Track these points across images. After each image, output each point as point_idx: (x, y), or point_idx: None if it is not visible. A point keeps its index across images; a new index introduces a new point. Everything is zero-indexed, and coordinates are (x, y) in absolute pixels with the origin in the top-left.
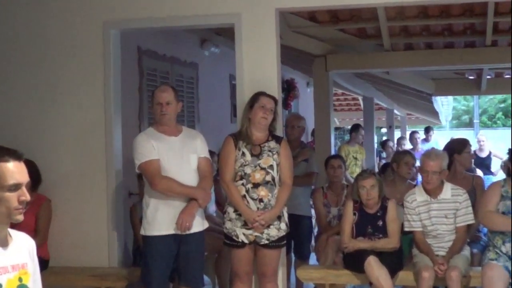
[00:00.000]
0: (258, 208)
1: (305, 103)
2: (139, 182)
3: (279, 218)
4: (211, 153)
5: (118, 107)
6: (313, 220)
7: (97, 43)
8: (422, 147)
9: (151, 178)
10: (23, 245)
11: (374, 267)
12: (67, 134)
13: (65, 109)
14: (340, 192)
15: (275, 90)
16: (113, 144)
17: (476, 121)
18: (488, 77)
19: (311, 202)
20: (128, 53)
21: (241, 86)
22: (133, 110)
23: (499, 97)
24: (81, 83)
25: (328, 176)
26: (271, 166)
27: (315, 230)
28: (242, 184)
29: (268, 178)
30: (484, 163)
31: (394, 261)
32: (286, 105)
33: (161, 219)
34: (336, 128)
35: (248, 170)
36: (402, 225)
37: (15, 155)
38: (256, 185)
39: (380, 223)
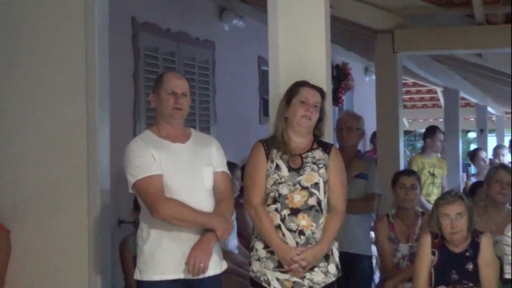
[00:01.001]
0: (297, 244)
1: (363, 96)
2: (134, 207)
3: (326, 257)
4: (232, 166)
5: (105, 101)
6: (374, 261)
7: (77, 13)
8: None
9: (151, 201)
10: None
11: None
12: (34, 141)
13: (31, 104)
14: (412, 222)
15: (323, 79)
16: (97, 153)
17: None
18: None
19: (372, 236)
20: (120, 26)
21: (275, 73)
22: (126, 105)
23: None
24: (55, 68)
25: (396, 200)
26: (316, 185)
27: (377, 275)
28: (276, 210)
29: (312, 201)
30: None
31: None
32: (336, 100)
33: (164, 258)
34: (406, 132)
35: (284, 190)
36: (501, 270)
37: None
38: (295, 211)
39: (470, 266)
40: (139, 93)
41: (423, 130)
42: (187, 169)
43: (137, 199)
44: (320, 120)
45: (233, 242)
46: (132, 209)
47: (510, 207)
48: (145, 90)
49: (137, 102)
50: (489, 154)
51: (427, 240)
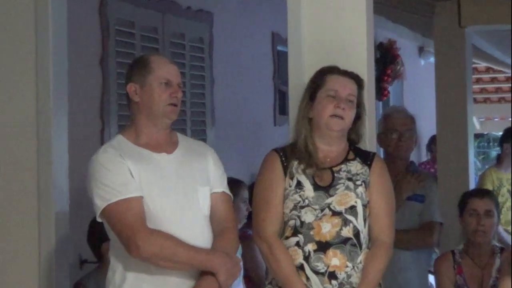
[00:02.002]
0: None
1: (416, 87)
2: (95, 238)
3: None
4: (236, 184)
5: (61, 97)
6: None
7: None
8: None
9: (129, 234)
10: None
11: None
12: None
13: None
14: (487, 261)
15: (362, 62)
16: (52, 166)
17: None
18: None
19: (431, 281)
20: None
21: (296, 56)
22: (91, 102)
23: None
24: None
25: (465, 231)
26: (352, 209)
27: None
28: (298, 244)
29: (347, 232)
30: None
31: None
32: (380, 91)
33: None
34: (476, 136)
35: (308, 216)
36: None
37: None
38: (323, 246)
39: None
40: (108, 85)
41: (500, 133)
42: (177, 189)
43: (105, 229)
44: (358, 119)
45: None
46: (89, 241)
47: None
48: (117, 80)
49: (106, 97)
50: None
51: (508, 286)
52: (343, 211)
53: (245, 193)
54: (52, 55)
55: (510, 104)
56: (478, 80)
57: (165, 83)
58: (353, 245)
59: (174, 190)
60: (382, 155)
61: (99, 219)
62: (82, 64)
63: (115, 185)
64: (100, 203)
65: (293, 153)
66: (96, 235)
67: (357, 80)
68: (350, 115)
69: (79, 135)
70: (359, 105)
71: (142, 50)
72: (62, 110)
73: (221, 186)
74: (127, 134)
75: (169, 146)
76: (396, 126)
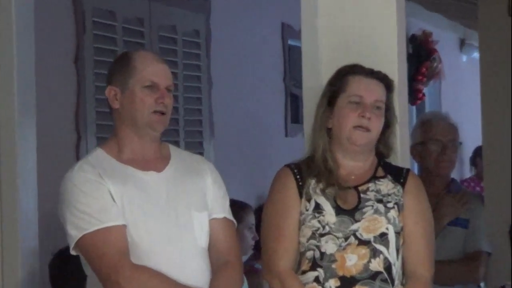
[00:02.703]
0: None
1: (457, 87)
2: (75, 276)
3: None
4: (241, 208)
5: (28, 104)
6: None
7: None
8: None
9: (108, 269)
10: None
11: None
12: None
13: None
14: None
15: (391, 59)
16: (17, 189)
17: None
18: None
19: None
20: None
21: (311, 52)
22: (64, 109)
23: None
24: None
25: None
26: (383, 238)
27: None
28: (317, 280)
29: (376, 264)
30: None
31: None
32: (414, 94)
33: None
34: None
35: (329, 246)
36: None
37: None
38: (348, 282)
39: None
40: (84, 89)
41: None
42: (167, 215)
43: (81, 264)
44: (387, 128)
45: None
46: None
47: None
48: (95, 82)
49: (82, 104)
50: None
51: None
52: (372, 239)
53: (251, 218)
54: (16, 53)
55: None
56: None
57: (149, 86)
58: (384, 280)
59: (163, 216)
60: (416, 171)
61: (73, 252)
62: (52, 64)
63: (92, 211)
64: (74, 233)
65: (310, 170)
66: (59, 274)
67: (386, 82)
68: (377, 125)
69: (49, 150)
70: (389, 111)
71: (125, 46)
72: (28, 120)
73: (222, 211)
74: (107, 147)
75: (159, 162)
76: (438, 136)
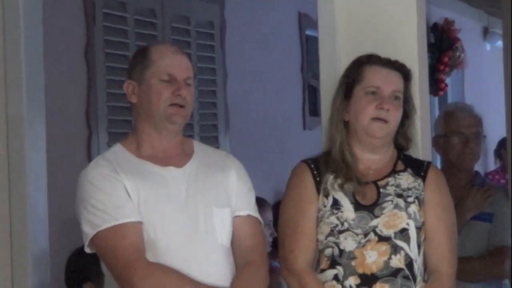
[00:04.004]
0: None
1: (481, 77)
2: (92, 275)
3: None
4: (258, 204)
5: (37, 98)
6: None
7: None
8: None
9: (123, 267)
10: None
11: None
12: None
13: None
14: None
15: (411, 48)
16: (26, 188)
17: None
18: None
19: None
20: None
21: (329, 42)
22: (75, 104)
23: None
24: None
25: None
26: (403, 233)
27: None
28: (336, 278)
29: (397, 261)
30: None
31: None
32: (436, 84)
33: None
34: None
35: (349, 243)
36: None
37: None
38: (369, 280)
39: None
40: (95, 82)
41: None
42: (186, 212)
43: (100, 263)
44: (406, 119)
45: None
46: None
47: None
48: (106, 76)
49: (93, 98)
50: None
51: None
52: (392, 235)
53: (268, 215)
54: (24, 46)
55: None
56: None
57: (165, 79)
58: (406, 277)
59: (182, 213)
60: (438, 164)
61: (87, 250)
62: (62, 58)
63: (106, 207)
64: (88, 230)
65: (327, 165)
66: (75, 273)
67: (403, 71)
68: (396, 116)
69: (60, 147)
70: (407, 102)
71: (136, 38)
72: (38, 115)
73: (247, 208)
74: (127, 143)
75: (181, 158)
76: (461, 128)
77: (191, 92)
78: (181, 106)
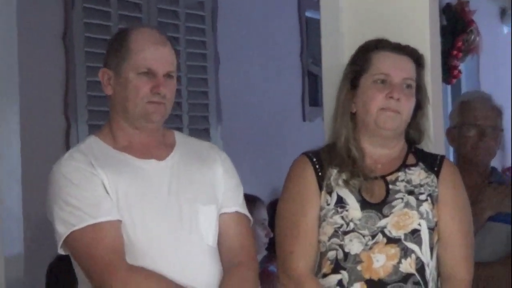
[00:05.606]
0: None
1: (498, 63)
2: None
3: None
4: (251, 202)
5: (10, 87)
6: None
7: None
8: None
9: (99, 270)
10: None
11: None
12: None
13: None
14: None
15: (422, 32)
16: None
17: None
18: None
19: None
20: None
21: (331, 25)
22: (51, 93)
23: None
24: None
25: None
26: (415, 235)
27: None
28: (340, 284)
29: (408, 266)
30: None
31: None
32: (449, 70)
33: None
34: None
35: (354, 245)
36: None
37: None
38: (376, 286)
39: None
40: (74, 69)
41: None
42: (169, 209)
43: (73, 266)
44: (418, 109)
45: None
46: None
47: None
48: (86, 62)
49: (71, 86)
50: None
51: None
52: (402, 237)
53: (263, 214)
54: None
55: None
56: None
57: (143, 72)
58: (416, 283)
59: (164, 211)
60: (452, 159)
61: (61, 251)
62: (37, 43)
63: (82, 204)
64: (62, 230)
65: (331, 159)
66: (58, 283)
67: (415, 57)
68: (408, 106)
69: (36, 139)
70: (420, 90)
71: (119, 21)
72: (11, 105)
73: (235, 204)
74: (102, 134)
75: (161, 150)
76: (477, 120)
77: (172, 88)
78: (160, 103)
